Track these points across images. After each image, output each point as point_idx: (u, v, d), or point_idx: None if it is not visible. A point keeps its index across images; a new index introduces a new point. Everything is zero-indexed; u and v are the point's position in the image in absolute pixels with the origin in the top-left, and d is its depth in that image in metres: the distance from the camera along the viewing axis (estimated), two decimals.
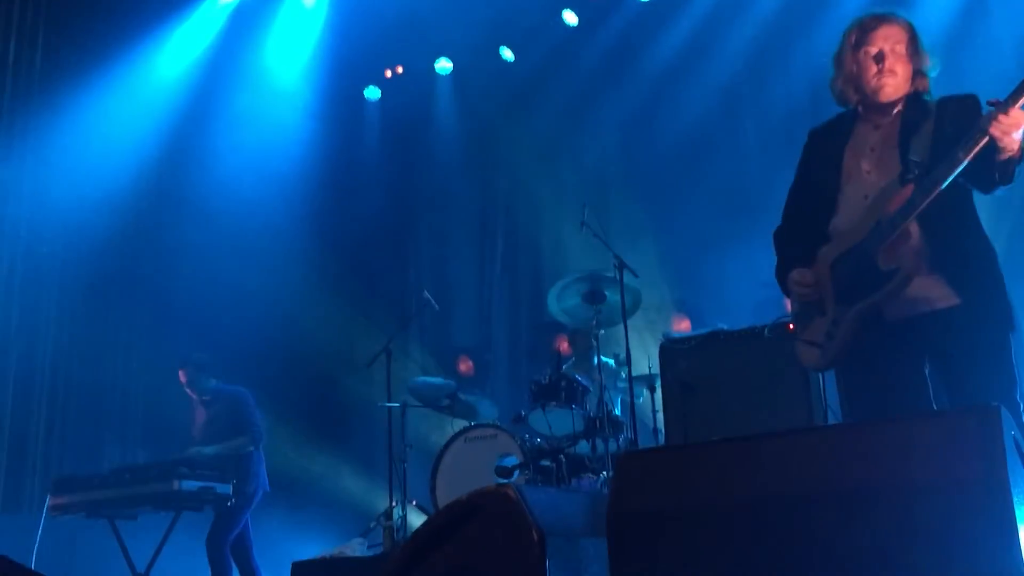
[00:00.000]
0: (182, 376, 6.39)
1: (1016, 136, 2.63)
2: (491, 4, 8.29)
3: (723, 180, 7.89)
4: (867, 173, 2.96)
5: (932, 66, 2.99)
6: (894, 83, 2.94)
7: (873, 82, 2.94)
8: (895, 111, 2.98)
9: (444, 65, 9.13)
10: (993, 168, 2.71)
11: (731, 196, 7.82)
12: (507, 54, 8.79)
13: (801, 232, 3.10)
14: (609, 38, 8.35)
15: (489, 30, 8.61)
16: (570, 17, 8.44)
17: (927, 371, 2.88)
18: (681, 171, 8.12)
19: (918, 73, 2.97)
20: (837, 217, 3.00)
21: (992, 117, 2.62)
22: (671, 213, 8.24)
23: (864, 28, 2.99)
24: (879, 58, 2.93)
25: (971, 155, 2.67)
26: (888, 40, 2.95)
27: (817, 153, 3.15)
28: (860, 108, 3.05)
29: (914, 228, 2.80)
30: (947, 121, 2.86)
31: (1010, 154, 2.68)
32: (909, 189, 2.77)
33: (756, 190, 7.71)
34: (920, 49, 2.98)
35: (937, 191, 2.72)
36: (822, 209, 3.03)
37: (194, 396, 6.42)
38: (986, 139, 2.64)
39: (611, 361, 6.35)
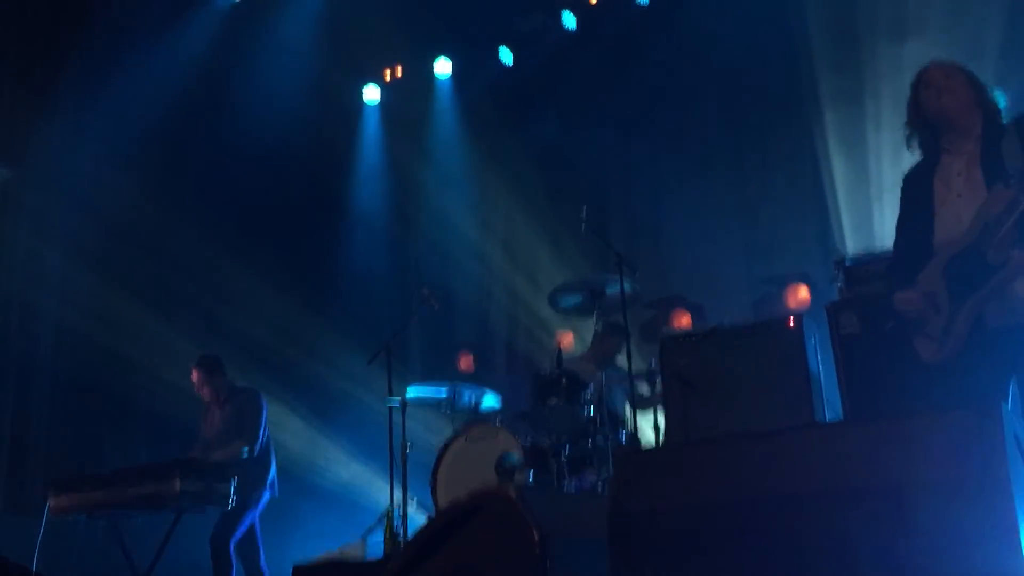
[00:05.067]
0: (195, 376, 6.29)
1: None
2: (491, 6, 8.28)
3: (723, 178, 7.89)
4: (958, 197, 3.16)
5: (996, 94, 3.21)
6: (955, 101, 3.17)
7: (935, 103, 3.19)
8: (975, 135, 3.18)
9: (443, 66, 9.13)
10: None
11: (731, 193, 7.82)
12: (506, 56, 8.80)
13: (909, 259, 3.29)
14: (609, 39, 8.34)
15: (489, 32, 8.61)
16: (569, 19, 8.44)
17: (1012, 385, 3.01)
18: (681, 169, 8.11)
19: (983, 97, 3.19)
20: (936, 237, 3.19)
21: None
22: (671, 210, 8.24)
23: (919, 75, 3.32)
24: (933, 83, 3.23)
25: None
26: (939, 71, 3.26)
27: (910, 192, 3.38)
28: (944, 142, 3.24)
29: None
30: None
31: None
32: (1013, 191, 2.95)
33: (756, 188, 7.70)
34: (976, 78, 3.21)
35: None
36: (923, 237, 3.24)
37: (207, 397, 6.35)
38: None
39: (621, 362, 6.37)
